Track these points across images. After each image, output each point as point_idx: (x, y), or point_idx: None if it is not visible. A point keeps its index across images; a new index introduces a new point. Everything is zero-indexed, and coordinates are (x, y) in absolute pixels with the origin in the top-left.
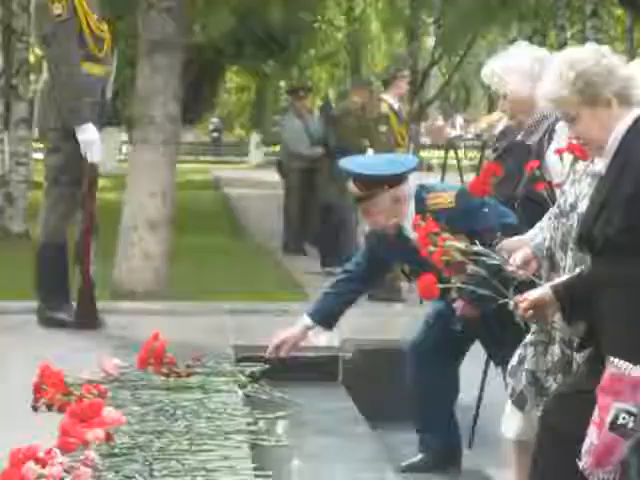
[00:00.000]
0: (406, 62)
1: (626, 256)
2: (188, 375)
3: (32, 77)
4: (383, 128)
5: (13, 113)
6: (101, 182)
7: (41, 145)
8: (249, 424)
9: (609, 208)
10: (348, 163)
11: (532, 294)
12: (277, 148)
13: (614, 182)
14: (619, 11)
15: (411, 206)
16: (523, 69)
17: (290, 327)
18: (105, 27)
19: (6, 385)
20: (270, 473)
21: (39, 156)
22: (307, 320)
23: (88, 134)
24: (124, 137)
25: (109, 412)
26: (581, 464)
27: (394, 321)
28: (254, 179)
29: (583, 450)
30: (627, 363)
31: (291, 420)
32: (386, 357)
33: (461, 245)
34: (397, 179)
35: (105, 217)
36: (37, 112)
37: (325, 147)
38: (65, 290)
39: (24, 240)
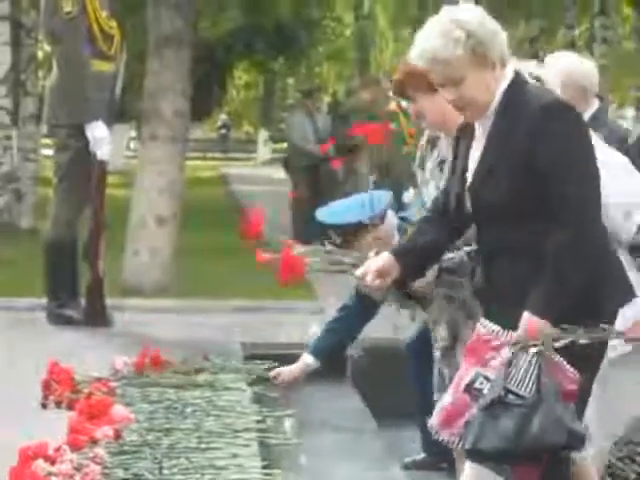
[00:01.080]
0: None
1: (515, 222)
2: (196, 372)
3: (40, 73)
4: (392, 126)
5: (22, 109)
6: (109, 178)
7: (49, 141)
8: (257, 422)
9: (497, 172)
10: (322, 214)
11: (372, 264)
12: (285, 145)
13: (503, 142)
14: (627, 10)
15: (395, 240)
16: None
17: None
18: (114, 24)
19: (15, 382)
20: (279, 471)
21: (47, 152)
22: (309, 359)
23: (98, 131)
24: (132, 133)
25: (118, 410)
26: (429, 422)
27: (402, 320)
28: (262, 176)
29: (435, 410)
30: (497, 327)
31: (299, 418)
32: (394, 355)
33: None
34: (373, 222)
35: (113, 213)
36: (46, 109)
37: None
38: (74, 287)
39: (32, 236)
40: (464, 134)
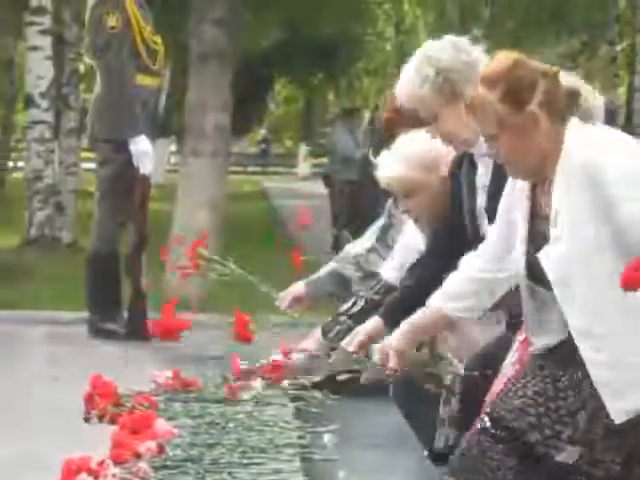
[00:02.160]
0: None
1: None
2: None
3: (82, 87)
4: None
5: (63, 123)
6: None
7: (90, 155)
8: (300, 437)
9: None
10: None
11: (360, 331)
12: (324, 160)
13: None
14: None
15: None
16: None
17: None
18: (159, 39)
19: (58, 396)
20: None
21: (88, 166)
22: None
23: (141, 145)
24: (172, 148)
25: (161, 424)
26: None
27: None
28: (303, 190)
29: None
30: None
31: (342, 434)
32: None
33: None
34: None
35: (154, 227)
36: (89, 123)
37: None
38: (116, 301)
39: (73, 250)
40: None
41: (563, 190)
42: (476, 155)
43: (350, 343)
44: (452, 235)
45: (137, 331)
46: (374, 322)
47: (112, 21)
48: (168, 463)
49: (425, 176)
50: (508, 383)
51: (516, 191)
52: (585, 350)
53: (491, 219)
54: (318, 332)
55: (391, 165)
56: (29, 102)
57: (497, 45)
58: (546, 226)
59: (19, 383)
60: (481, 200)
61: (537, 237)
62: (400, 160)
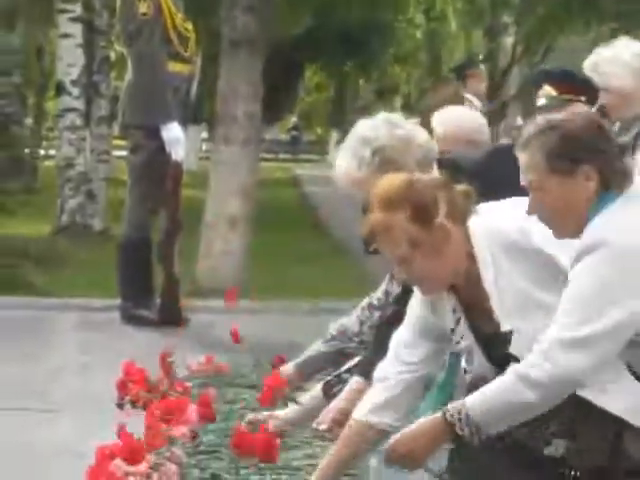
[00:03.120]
0: (475, 61)
1: None
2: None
3: (113, 74)
4: None
5: (94, 110)
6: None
7: (122, 142)
8: None
9: None
10: None
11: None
12: None
13: None
14: None
15: None
16: (626, 63)
17: None
18: (190, 26)
19: (91, 383)
20: (355, 472)
21: (119, 153)
22: None
23: (173, 132)
24: (204, 135)
25: (195, 409)
26: None
27: None
28: (334, 178)
29: None
30: None
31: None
32: None
33: None
34: None
35: (186, 214)
36: (121, 110)
37: None
38: (149, 287)
39: (105, 237)
40: None
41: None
42: None
43: (322, 421)
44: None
45: (170, 317)
46: (348, 393)
47: (143, 8)
48: (202, 449)
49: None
50: None
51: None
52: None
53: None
54: (318, 388)
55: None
56: (60, 90)
57: (527, 32)
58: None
59: (52, 369)
60: None
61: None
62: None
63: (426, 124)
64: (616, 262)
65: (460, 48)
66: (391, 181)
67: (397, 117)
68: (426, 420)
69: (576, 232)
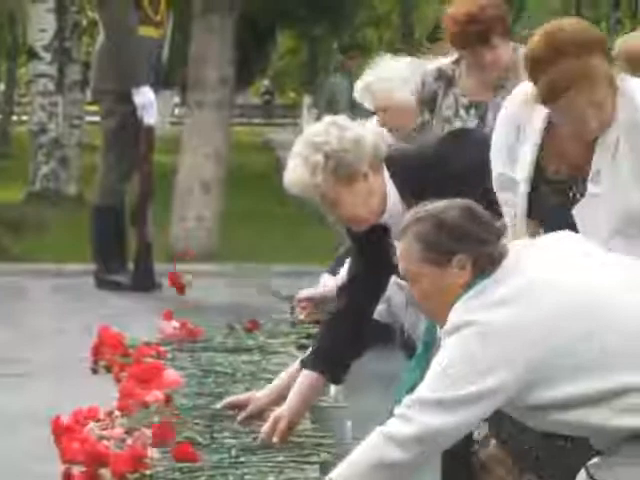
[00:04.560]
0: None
1: None
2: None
3: (85, 40)
4: None
5: (66, 76)
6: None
7: (94, 108)
8: None
9: None
10: None
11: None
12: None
13: None
14: None
15: None
16: (403, 77)
17: None
18: None
19: (65, 347)
20: (329, 433)
21: (92, 119)
22: None
23: (145, 96)
24: (176, 99)
25: (169, 374)
26: None
27: None
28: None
29: None
30: None
31: (348, 381)
32: None
33: None
34: None
35: (157, 179)
36: (93, 75)
37: None
38: (122, 252)
39: (78, 203)
40: None
41: (606, 151)
42: (386, 222)
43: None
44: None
45: (143, 282)
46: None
47: None
48: (176, 412)
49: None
50: None
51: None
52: None
53: None
54: (297, 363)
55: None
56: (32, 55)
57: None
58: (550, 192)
59: (26, 335)
60: None
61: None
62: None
63: None
64: (482, 337)
65: (433, 10)
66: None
67: (344, 119)
68: None
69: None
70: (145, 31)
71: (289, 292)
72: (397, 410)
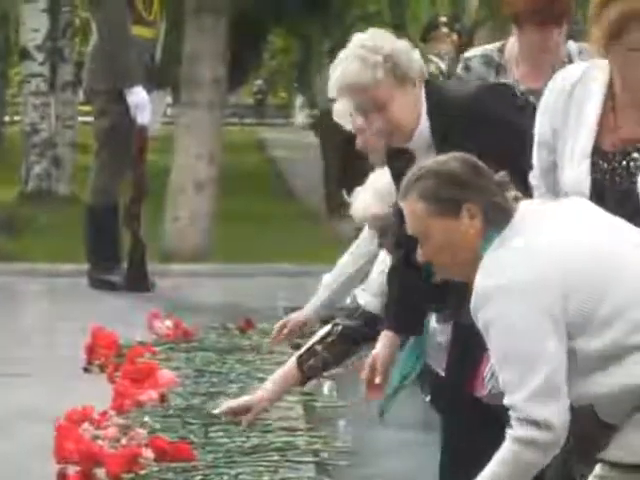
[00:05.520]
0: (438, 22)
1: None
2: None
3: (77, 40)
4: None
5: (59, 76)
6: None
7: (87, 108)
8: None
9: None
10: None
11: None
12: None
13: None
14: None
15: None
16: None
17: None
18: None
19: (59, 347)
20: (323, 433)
21: (85, 119)
22: None
23: (138, 96)
24: (168, 99)
25: (163, 373)
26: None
27: None
28: (299, 141)
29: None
30: None
31: (342, 381)
32: None
33: None
34: None
35: (152, 179)
36: (86, 75)
37: None
38: (115, 252)
39: (71, 203)
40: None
41: None
42: (415, 150)
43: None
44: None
45: (137, 282)
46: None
47: None
48: (170, 412)
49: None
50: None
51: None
52: None
53: None
54: (293, 360)
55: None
56: (24, 55)
57: None
58: (607, 162)
59: (20, 335)
60: None
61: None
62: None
63: None
64: (515, 299)
65: (425, 8)
66: None
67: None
68: None
69: (474, 272)
70: (138, 31)
71: (286, 293)
72: (512, 418)
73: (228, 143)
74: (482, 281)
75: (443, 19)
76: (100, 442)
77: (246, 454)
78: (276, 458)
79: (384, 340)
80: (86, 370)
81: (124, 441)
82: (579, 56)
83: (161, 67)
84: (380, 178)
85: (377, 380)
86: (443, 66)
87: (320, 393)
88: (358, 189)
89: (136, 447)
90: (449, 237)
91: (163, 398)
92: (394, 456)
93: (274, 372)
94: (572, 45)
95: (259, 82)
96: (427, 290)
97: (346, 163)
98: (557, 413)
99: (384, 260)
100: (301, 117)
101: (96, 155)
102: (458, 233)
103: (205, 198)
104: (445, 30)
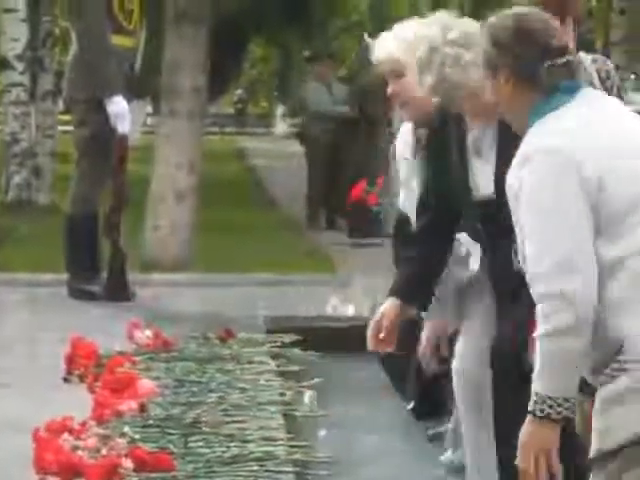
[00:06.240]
0: None
1: None
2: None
3: (57, 49)
4: None
5: (39, 86)
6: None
7: (67, 117)
8: (281, 394)
9: None
10: None
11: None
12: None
13: None
14: None
15: None
16: None
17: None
18: None
19: (38, 358)
20: (305, 443)
21: (65, 129)
22: None
23: (117, 106)
24: (149, 108)
25: (143, 383)
26: None
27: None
28: (280, 150)
29: None
30: None
31: (322, 390)
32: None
33: None
34: None
35: (131, 188)
36: (66, 84)
37: (360, 114)
38: (95, 262)
39: (51, 212)
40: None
41: None
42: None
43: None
44: (435, 217)
45: (117, 291)
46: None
47: None
48: (150, 422)
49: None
50: None
51: None
52: None
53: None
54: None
55: (384, 45)
56: (4, 65)
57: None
58: None
59: (0, 345)
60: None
61: None
62: (393, 40)
63: (368, 96)
64: (538, 171)
65: (406, 17)
66: None
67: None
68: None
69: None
70: (118, 40)
71: (266, 302)
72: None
73: (208, 152)
74: (523, 145)
75: None
76: (80, 452)
77: (226, 464)
78: (256, 468)
79: (391, 302)
80: (66, 380)
81: (104, 451)
82: (593, 64)
83: (141, 76)
84: (404, 27)
85: (381, 335)
86: None
87: (300, 403)
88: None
89: (116, 457)
90: (495, 95)
91: (143, 408)
92: (374, 465)
93: (255, 381)
94: (583, 55)
95: (239, 91)
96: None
97: (331, 171)
98: (581, 286)
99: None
100: (281, 126)
101: (76, 164)
102: (498, 94)
103: (185, 207)
104: None
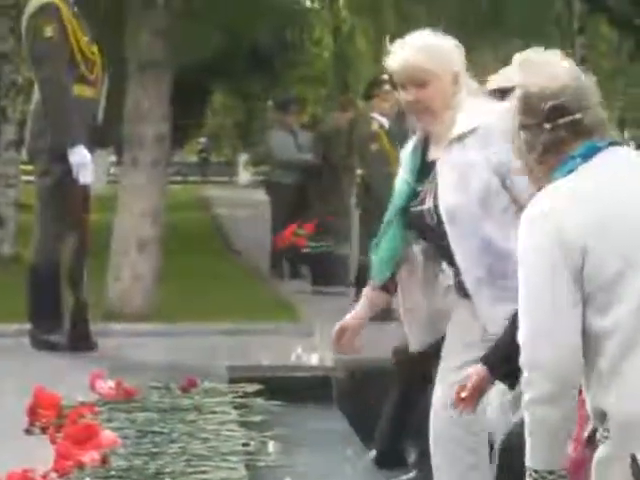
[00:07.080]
0: (381, 81)
1: None
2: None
3: (20, 99)
4: (374, 147)
5: (2, 135)
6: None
7: (30, 168)
8: (244, 445)
9: None
10: None
11: (470, 379)
12: (265, 167)
13: None
14: (606, 28)
15: None
16: None
17: (282, 346)
18: (95, 49)
19: (0, 409)
20: None
21: (28, 178)
22: None
23: (80, 156)
24: (112, 158)
25: (105, 434)
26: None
27: (387, 340)
28: (243, 199)
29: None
30: None
31: (285, 440)
32: (379, 376)
33: None
34: None
35: (94, 238)
36: (28, 134)
37: (323, 160)
38: (58, 313)
39: (14, 263)
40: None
41: None
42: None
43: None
44: None
45: (80, 342)
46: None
47: (49, 31)
48: (112, 473)
49: (438, 67)
50: None
51: None
52: None
53: None
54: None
55: (406, 53)
56: None
57: None
58: None
59: None
60: None
61: None
62: (415, 49)
63: (332, 143)
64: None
65: (368, 68)
66: None
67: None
68: None
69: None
70: (80, 90)
71: (229, 352)
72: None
73: (172, 201)
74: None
75: (386, 77)
76: None
77: None
78: None
79: (479, 369)
80: (28, 431)
81: None
82: None
83: (104, 126)
84: (421, 36)
85: (463, 394)
86: (386, 124)
87: (264, 453)
88: None
89: None
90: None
91: (105, 459)
92: None
93: (217, 432)
94: None
95: (203, 140)
96: None
97: (295, 219)
98: (557, 357)
99: None
100: (244, 175)
101: (38, 214)
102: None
103: (148, 257)
104: (388, 88)
